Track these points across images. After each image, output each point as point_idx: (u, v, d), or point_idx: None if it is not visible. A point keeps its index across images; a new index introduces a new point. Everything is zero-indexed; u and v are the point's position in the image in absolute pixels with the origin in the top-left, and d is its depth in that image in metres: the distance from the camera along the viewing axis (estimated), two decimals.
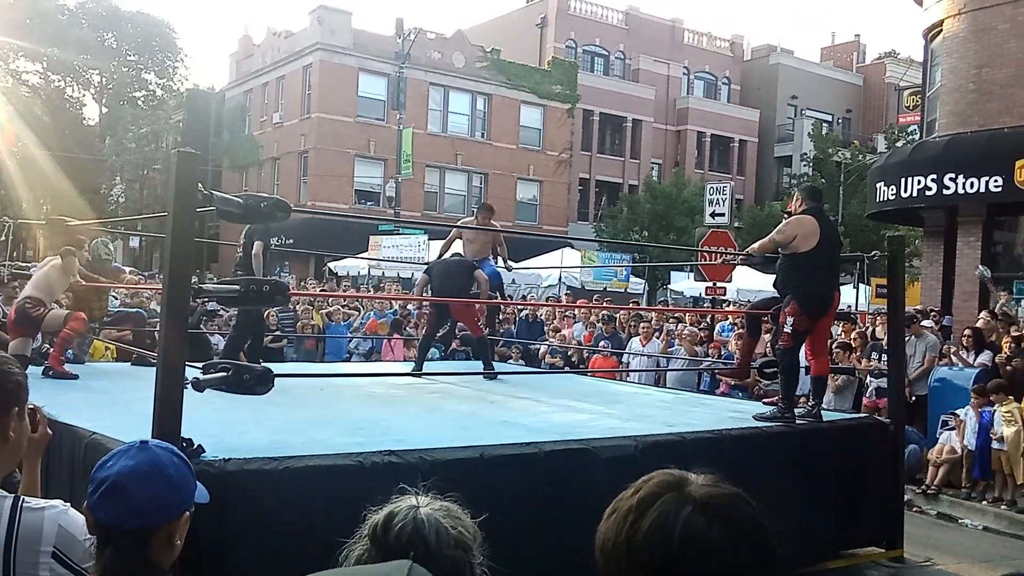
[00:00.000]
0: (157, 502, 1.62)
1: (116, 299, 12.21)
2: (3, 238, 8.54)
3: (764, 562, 1.00)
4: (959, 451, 9.40)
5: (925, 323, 11.48)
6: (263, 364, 5.75)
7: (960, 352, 10.50)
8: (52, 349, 7.50)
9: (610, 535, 1.04)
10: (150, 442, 1.70)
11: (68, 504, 1.88)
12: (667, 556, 0.98)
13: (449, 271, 8.79)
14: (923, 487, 9.54)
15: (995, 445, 8.95)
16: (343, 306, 15.03)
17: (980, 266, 13.15)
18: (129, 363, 8.68)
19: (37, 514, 1.81)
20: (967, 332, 10.71)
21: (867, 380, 10.35)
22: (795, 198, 7.02)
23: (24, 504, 1.83)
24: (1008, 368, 9.70)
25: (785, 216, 7.17)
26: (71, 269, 7.65)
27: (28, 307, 7.35)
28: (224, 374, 4.62)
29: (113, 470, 1.62)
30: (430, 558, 1.25)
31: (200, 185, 4.52)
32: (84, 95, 41.66)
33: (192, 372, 4.49)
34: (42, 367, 7.18)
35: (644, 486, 1.06)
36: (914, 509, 9.01)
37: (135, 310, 9.69)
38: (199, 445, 4.08)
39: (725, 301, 17.47)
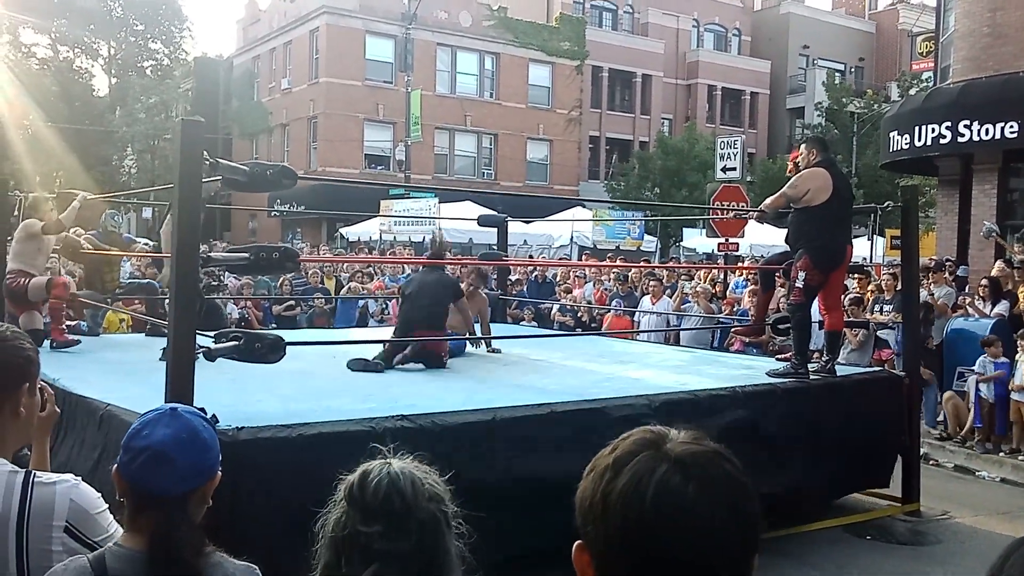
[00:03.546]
0: (198, 467, 1.68)
1: (134, 270, 12.29)
2: (16, 213, 8.53)
3: (741, 521, 0.97)
4: (976, 401, 9.35)
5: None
6: (275, 332, 5.77)
7: (976, 302, 10.41)
8: (51, 322, 7.49)
9: (587, 493, 1.02)
10: (179, 408, 1.72)
11: (79, 478, 1.89)
12: (641, 515, 0.96)
13: (424, 289, 7.24)
14: (939, 434, 9.54)
15: (1015, 396, 8.90)
16: (359, 273, 15.04)
17: (986, 223, 13.00)
18: (143, 334, 8.74)
19: (48, 488, 1.82)
20: (984, 282, 10.60)
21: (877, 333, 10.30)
22: (805, 150, 6.89)
23: (35, 479, 1.84)
24: None
25: (791, 169, 7.07)
26: (33, 228, 7.40)
27: (8, 281, 7.29)
28: (236, 343, 4.64)
29: (153, 438, 1.64)
30: (407, 510, 1.26)
31: (206, 153, 4.50)
32: (93, 66, 41.45)
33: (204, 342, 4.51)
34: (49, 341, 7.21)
35: (622, 444, 1.04)
36: (930, 462, 8.99)
37: (145, 281, 9.71)
38: (213, 415, 4.10)
39: (738, 257, 17.37)
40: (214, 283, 11.12)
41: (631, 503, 0.97)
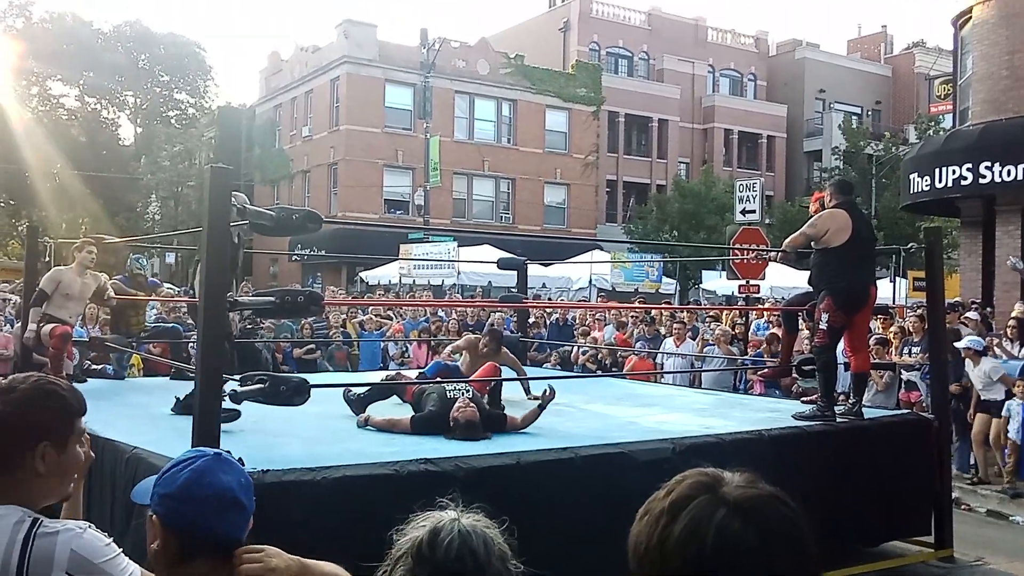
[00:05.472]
0: (253, 510, 1.73)
1: (160, 314, 12.40)
2: (46, 259, 8.66)
3: (799, 566, 0.97)
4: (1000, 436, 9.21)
5: (970, 314, 11.26)
6: (299, 375, 5.78)
7: (1004, 343, 10.29)
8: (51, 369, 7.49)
9: (642, 538, 1.02)
10: (222, 453, 1.74)
11: (87, 526, 1.84)
12: (700, 561, 0.95)
13: None
14: (971, 478, 9.38)
15: None
16: (376, 315, 15.07)
17: (1011, 258, 12.89)
18: (168, 377, 8.77)
19: (50, 539, 1.76)
20: (1011, 323, 10.49)
21: (902, 375, 10.19)
22: (828, 193, 6.91)
23: (39, 528, 1.78)
24: None
25: (815, 210, 7.08)
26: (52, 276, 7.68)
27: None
28: (261, 386, 4.65)
29: (221, 485, 1.65)
30: (479, 571, 1.20)
31: (234, 199, 4.56)
32: (119, 116, 42.39)
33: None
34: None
35: (677, 487, 1.03)
36: (962, 507, 8.82)
37: (171, 325, 9.78)
38: (239, 458, 4.10)
39: (759, 299, 17.28)
40: (249, 326, 11.14)
41: (690, 548, 0.96)
